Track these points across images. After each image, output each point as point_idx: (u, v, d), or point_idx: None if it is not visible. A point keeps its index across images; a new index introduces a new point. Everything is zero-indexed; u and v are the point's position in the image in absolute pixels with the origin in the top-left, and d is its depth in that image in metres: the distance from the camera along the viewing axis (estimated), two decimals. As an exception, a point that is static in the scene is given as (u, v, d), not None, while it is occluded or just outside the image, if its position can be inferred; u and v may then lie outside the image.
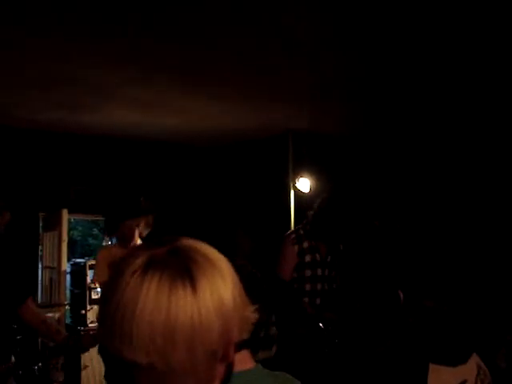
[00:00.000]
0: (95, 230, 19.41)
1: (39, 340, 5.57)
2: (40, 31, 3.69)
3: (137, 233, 4.24)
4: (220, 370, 1.00)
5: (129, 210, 4.25)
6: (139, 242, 4.24)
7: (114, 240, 7.82)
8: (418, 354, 2.30)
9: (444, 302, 2.53)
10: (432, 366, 2.22)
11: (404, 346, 2.36)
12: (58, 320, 6.01)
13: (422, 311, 2.54)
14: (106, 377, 4.25)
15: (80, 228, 19.57)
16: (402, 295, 2.92)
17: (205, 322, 0.91)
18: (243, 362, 1.58)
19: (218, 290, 0.94)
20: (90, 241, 20.00)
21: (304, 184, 6.37)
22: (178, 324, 0.90)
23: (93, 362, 5.51)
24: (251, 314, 1.03)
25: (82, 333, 3.09)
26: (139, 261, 0.95)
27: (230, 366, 1.03)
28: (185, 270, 0.93)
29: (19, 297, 3.10)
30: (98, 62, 4.31)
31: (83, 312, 6.00)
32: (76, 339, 2.97)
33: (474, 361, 2.22)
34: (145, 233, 4.29)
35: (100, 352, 3.65)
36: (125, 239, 4.24)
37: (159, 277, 0.92)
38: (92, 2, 3.23)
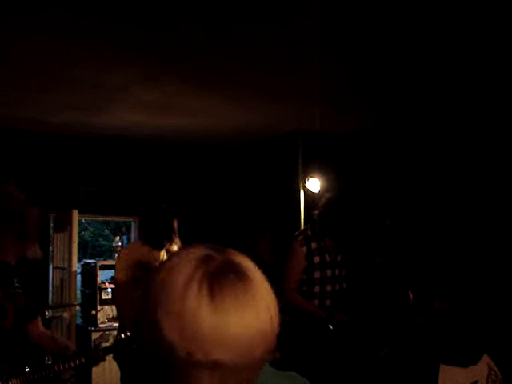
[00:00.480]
0: (106, 230, 19.50)
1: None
2: (52, 33, 3.71)
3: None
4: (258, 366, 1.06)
5: (173, 211, 4.33)
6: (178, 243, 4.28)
7: (123, 240, 7.86)
8: (429, 354, 2.28)
9: (454, 303, 2.51)
10: (443, 367, 2.20)
11: (415, 346, 2.34)
12: (69, 320, 6.03)
13: (432, 312, 2.51)
14: (122, 381, 4.26)
15: (91, 229, 19.68)
16: (411, 295, 2.90)
17: (257, 327, 0.97)
18: None
19: (269, 305, 1.01)
20: (101, 241, 20.09)
21: (314, 184, 6.35)
22: (230, 324, 0.95)
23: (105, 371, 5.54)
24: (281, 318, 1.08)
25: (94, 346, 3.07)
26: (196, 273, 0.98)
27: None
28: (242, 283, 0.98)
29: (31, 312, 3.06)
30: (110, 64, 4.33)
31: (94, 312, 6.02)
32: (85, 355, 2.91)
33: (485, 361, 2.20)
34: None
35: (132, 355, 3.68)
36: (159, 240, 4.25)
37: (221, 291, 0.96)
38: (104, 4, 3.24)
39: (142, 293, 1.07)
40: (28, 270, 3.08)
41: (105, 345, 3.37)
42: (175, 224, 4.31)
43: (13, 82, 4.81)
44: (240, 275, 0.99)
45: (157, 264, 4.14)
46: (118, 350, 3.69)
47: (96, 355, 2.94)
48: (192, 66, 4.47)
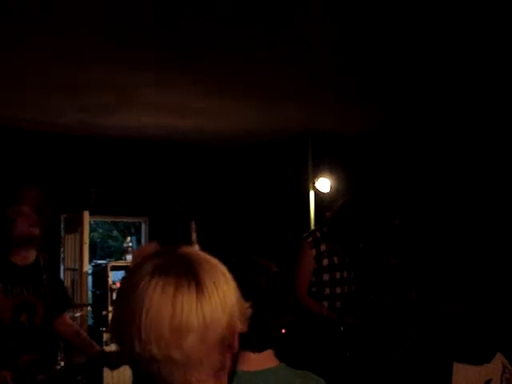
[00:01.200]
0: (115, 231, 19.53)
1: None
2: (65, 35, 3.74)
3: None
4: (228, 359, 1.09)
5: (189, 212, 4.38)
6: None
7: (133, 241, 7.88)
8: (442, 352, 2.28)
9: (466, 302, 2.51)
10: (456, 365, 2.21)
11: (428, 345, 2.35)
12: (81, 321, 6.06)
13: (444, 310, 2.52)
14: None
15: (100, 230, 19.70)
16: (414, 295, 2.91)
17: (214, 316, 1.02)
18: (267, 360, 1.64)
19: (222, 289, 1.05)
20: (110, 243, 20.10)
21: (323, 184, 6.36)
22: (188, 319, 1.00)
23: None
24: (248, 309, 1.14)
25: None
26: (147, 267, 1.05)
27: (235, 356, 1.13)
28: (190, 273, 1.04)
29: (58, 308, 3.14)
30: (122, 65, 4.36)
31: (105, 313, 6.05)
32: (108, 355, 2.98)
33: (499, 359, 2.20)
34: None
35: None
36: (175, 242, 4.26)
37: (164, 279, 1.02)
38: (116, 6, 3.26)
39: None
40: (54, 268, 3.30)
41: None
42: (192, 225, 4.31)
43: (24, 84, 4.85)
44: (196, 273, 1.04)
45: None
46: None
47: (117, 359, 2.96)
48: (203, 68, 4.50)
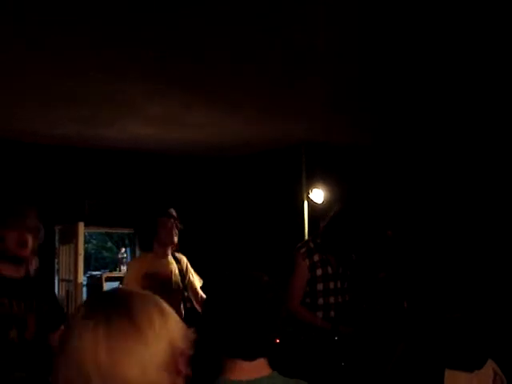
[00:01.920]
0: (109, 243, 19.51)
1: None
2: (60, 47, 3.77)
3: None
4: (179, 382, 1.09)
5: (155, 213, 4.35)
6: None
7: (127, 252, 7.89)
8: (434, 359, 2.32)
9: (458, 309, 2.55)
10: (448, 372, 2.24)
11: (420, 351, 2.38)
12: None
13: (437, 318, 2.56)
14: None
15: (94, 241, 19.69)
16: (406, 304, 2.93)
17: (151, 352, 1.02)
18: (260, 369, 1.65)
19: (157, 323, 1.05)
20: (105, 254, 20.09)
21: (317, 195, 6.40)
22: (123, 364, 1.00)
23: None
24: (191, 333, 1.12)
25: None
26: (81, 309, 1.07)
27: (187, 378, 1.11)
28: (123, 310, 1.04)
29: (53, 322, 3.04)
30: (117, 78, 4.39)
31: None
32: None
33: (491, 366, 2.24)
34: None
35: None
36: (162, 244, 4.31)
37: (95, 320, 1.02)
38: (107, 20, 3.30)
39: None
40: (47, 282, 3.26)
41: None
42: (163, 224, 4.32)
43: (18, 95, 4.86)
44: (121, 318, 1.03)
45: (164, 272, 4.21)
46: None
47: None
48: (196, 81, 4.53)
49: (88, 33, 3.52)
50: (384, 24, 3.43)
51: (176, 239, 4.33)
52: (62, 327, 3.08)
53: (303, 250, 4.31)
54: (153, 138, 6.31)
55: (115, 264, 10.37)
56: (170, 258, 4.35)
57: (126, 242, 16.46)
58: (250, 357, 1.63)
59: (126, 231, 7.35)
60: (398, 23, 3.41)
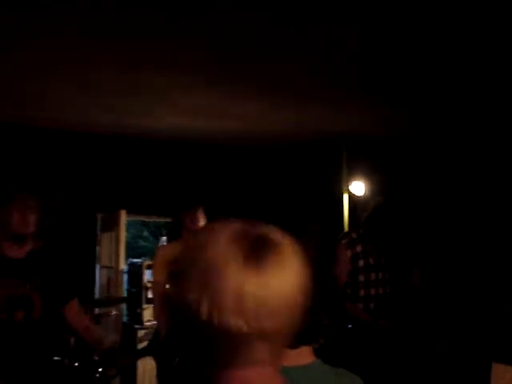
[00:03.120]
0: (145, 232, 19.72)
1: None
2: (104, 40, 3.83)
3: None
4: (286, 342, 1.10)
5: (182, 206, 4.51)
6: None
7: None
8: (481, 353, 2.30)
9: (506, 303, 2.53)
10: (495, 365, 2.23)
11: (467, 345, 2.37)
12: (116, 317, 6.16)
13: (484, 311, 2.54)
14: (159, 376, 4.36)
15: (133, 231, 19.90)
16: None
17: (293, 295, 1.03)
18: (304, 356, 1.65)
19: (300, 269, 1.05)
20: (141, 243, 20.29)
21: (358, 187, 6.38)
22: (272, 295, 1.00)
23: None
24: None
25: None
26: (233, 249, 1.02)
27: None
28: (278, 256, 1.03)
29: (64, 297, 3.09)
30: (166, 68, 4.43)
31: (139, 310, 6.15)
32: (115, 355, 2.93)
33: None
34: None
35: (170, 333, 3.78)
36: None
37: (244, 251, 1.01)
38: (157, 12, 3.33)
39: (172, 273, 1.09)
40: (53, 259, 3.15)
41: (141, 346, 3.42)
42: (188, 217, 4.39)
43: (64, 87, 4.95)
44: (275, 248, 1.03)
45: None
46: (154, 349, 3.74)
47: (124, 360, 2.96)
48: (243, 74, 4.56)
49: (134, 23, 3.56)
50: (427, 17, 3.40)
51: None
52: (73, 303, 3.11)
53: (345, 240, 4.32)
54: (194, 128, 6.36)
55: (152, 253, 10.53)
56: None
57: (163, 231, 16.63)
58: (294, 345, 1.61)
59: (163, 220, 7.42)
60: (441, 14, 3.38)
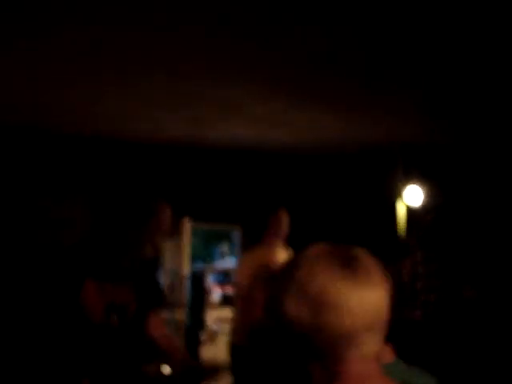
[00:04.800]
0: (196, 238, 19.95)
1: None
2: (173, 51, 4.04)
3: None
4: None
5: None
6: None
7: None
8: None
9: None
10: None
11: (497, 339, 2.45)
12: (178, 321, 6.38)
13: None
14: (232, 370, 4.54)
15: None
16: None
17: (384, 305, 1.22)
18: (386, 355, 1.74)
19: (385, 282, 1.24)
20: (191, 249, 20.47)
21: (413, 195, 6.46)
22: (370, 302, 1.19)
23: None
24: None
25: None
26: (328, 259, 1.23)
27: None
28: (364, 269, 1.22)
29: (151, 304, 3.14)
30: (225, 80, 4.64)
31: (201, 315, 6.37)
32: (193, 366, 3.02)
33: None
34: None
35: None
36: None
37: (347, 269, 1.21)
38: (218, 23, 3.52)
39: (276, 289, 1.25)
40: (150, 265, 3.25)
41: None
42: (275, 222, 4.59)
43: (141, 99, 5.20)
44: (363, 266, 1.22)
45: (276, 262, 4.47)
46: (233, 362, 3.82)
47: (200, 371, 3.08)
48: (298, 82, 4.71)
49: (194, 35, 3.71)
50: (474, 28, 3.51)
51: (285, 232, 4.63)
52: (157, 312, 3.17)
53: (406, 247, 4.45)
54: (255, 138, 6.53)
55: (210, 258, 10.84)
56: (280, 249, 4.61)
57: (213, 238, 16.81)
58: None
59: (225, 228, 7.63)
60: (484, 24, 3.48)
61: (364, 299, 1.18)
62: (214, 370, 4.90)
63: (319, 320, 1.16)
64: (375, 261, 1.28)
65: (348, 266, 1.21)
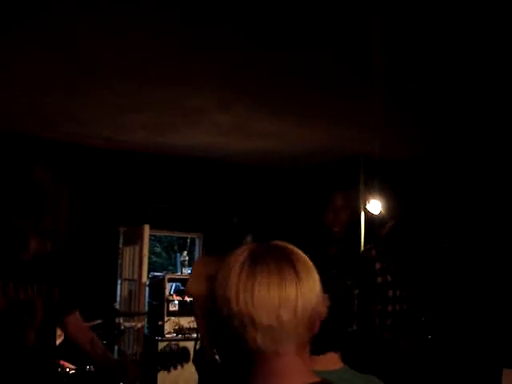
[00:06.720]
0: (158, 248, 19.80)
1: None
2: (139, 58, 4.03)
3: None
4: (308, 337, 1.31)
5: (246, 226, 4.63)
6: None
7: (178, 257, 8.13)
8: (492, 359, 2.42)
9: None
10: (505, 371, 2.35)
11: (478, 352, 2.50)
12: (138, 330, 6.31)
13: (493, 320, 2.67)
14: (194, 360, 4.50)
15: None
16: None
17: (306, 297, 1.26)
18: (332, 362, 1.75)
19: (312, 276, 1.29)
20: (154, 258, 20.29)
21: (375, 205, 6.51)
22: (288, 298, 1.24)
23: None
24: (326, 300, 1.41)
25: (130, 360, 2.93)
26: (245, 254, 1.30)
27: (311, 339, 1.33)
28: (288, 262, 1.28)
29: (67, 305, 2.85)
30: (189, 88, 4.63)
31: (160, 323, 6.30)
32: (123, 368, 2.77)
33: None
34: None
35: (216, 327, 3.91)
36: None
37: (267, 266, 1.26)
38: (181, 32, 3.54)
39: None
40: (63, 264, 2.93)
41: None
42: (248, 238, 4.54)
43: (93, 102, 5.15)
44: (300, 259, 1.29)
45: None
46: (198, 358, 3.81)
47: (132, 370, 2.76)
48: (264, 93, 4.75)
49: (158, 44, 3.76)
50: (445, 37, 3.56)
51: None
52: (76, 314, 2.82)
53: (370, 253, 4.46)
54: (217, 146, 6.53)
55: (164, 268, 10.83)
56: None
57: (175, 247, 16.71)
58: (321, 351, 1.71)
59: (186, 235, 7.59)
60: (460, 35, 3.55)
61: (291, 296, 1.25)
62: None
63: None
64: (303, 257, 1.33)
65: (256, 263, 1.28)
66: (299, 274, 1.26)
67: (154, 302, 6.53)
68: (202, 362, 4.21)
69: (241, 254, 1.30)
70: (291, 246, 1.34)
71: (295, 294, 1.24)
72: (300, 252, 1.33)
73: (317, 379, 1.30)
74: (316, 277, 1.31)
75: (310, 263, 1.32)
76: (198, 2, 3.18)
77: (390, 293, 4.41)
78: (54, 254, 2.85)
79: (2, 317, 2.55)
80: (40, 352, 2.66)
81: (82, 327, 2.95)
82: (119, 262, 7.01)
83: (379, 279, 4.38)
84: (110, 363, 2.83)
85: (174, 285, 6.99)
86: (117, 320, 5.79)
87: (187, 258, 7.05)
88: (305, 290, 1.25)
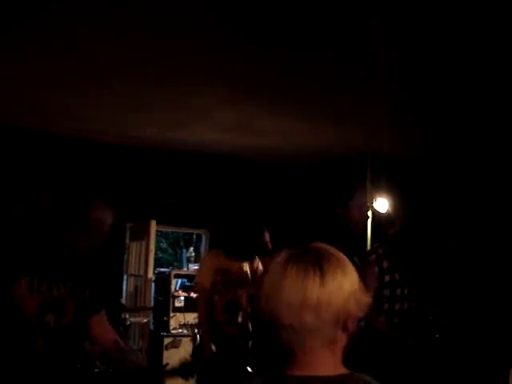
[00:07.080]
0: (164, 243, 19.82)
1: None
2: (148, 59, 4.04)
3: None
4: (341, 336, 1.37)
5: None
6: None
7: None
8: (499, 358, 2.42)
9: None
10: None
11: (485, 351, 2.49)
12: (143, 326, 6.31)
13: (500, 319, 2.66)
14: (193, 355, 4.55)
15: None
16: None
17: (328, 299, 1.32)
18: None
19: (338, 278, 1.35)
20: (160, 254, 20.31)
21: (381, 204, 6.50)
22: (309, 299, 1.32)
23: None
24: (366, 298, 1.41)
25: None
26: (283, 257, 1.40)
27: (350, 336, 1.39)
28: (316, 264, 1.35)
29: (94, 306, 2.88)
30: (197, 87, 4.63)
31: (166, 319, 6.31)
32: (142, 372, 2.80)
33: None
34: None
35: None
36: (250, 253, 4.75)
37: (296, 267, 1.35)
38: (190, 32, 3.53)
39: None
40: (96, 264, 3.00)
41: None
42: (266, 237, 4.59)
43: (105, 101, 5.17)
44: (333, 260, 1.36)
45: (238, 271, 4.46)
46: (185, 372, 3.80)
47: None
48: (270, 91, 4.76)
49: (170, 41, 3.75)
50: (450, 37, 3.56)
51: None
52: (102, 314, 2.87)
53: (373, 256, 4.44)
54: (224, 143, 6.54)
55: (171, 264, 10.83)
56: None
57: (181, 243, 16.72)
58: None
59: (192, 231, 7.59)
60: (464, 36, 3.54)
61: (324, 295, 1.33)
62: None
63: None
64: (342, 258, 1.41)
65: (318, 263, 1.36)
66: (325, 275, 1.33)
67: (160, 298, 6.53)
68: (200, 357, 4.25)
69: (280, 257, 1.40)
70: (326, 247, 1.42)
71: (317, 295, 1.31)
72: (334, 252, 1.40)
73: (344, 371, 1.37)
74: (348, 277, 1.37)
75: (345, 264, 1.39)
76: (198, 2, 3.18)
77: (398, 291, 4.40)
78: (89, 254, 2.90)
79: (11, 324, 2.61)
80: (60, 354, 2.69)
81: (106, 328, 2.95)
82: (125, 257, 7.01)
83: (387, 277, 4.37)
84: (129, 366, 2.79)
85: (179, 281, 7.01)
86: (123, 315, 5.77)
87: (193, 254, 7.05)
88: (329, 290, 1.32)
